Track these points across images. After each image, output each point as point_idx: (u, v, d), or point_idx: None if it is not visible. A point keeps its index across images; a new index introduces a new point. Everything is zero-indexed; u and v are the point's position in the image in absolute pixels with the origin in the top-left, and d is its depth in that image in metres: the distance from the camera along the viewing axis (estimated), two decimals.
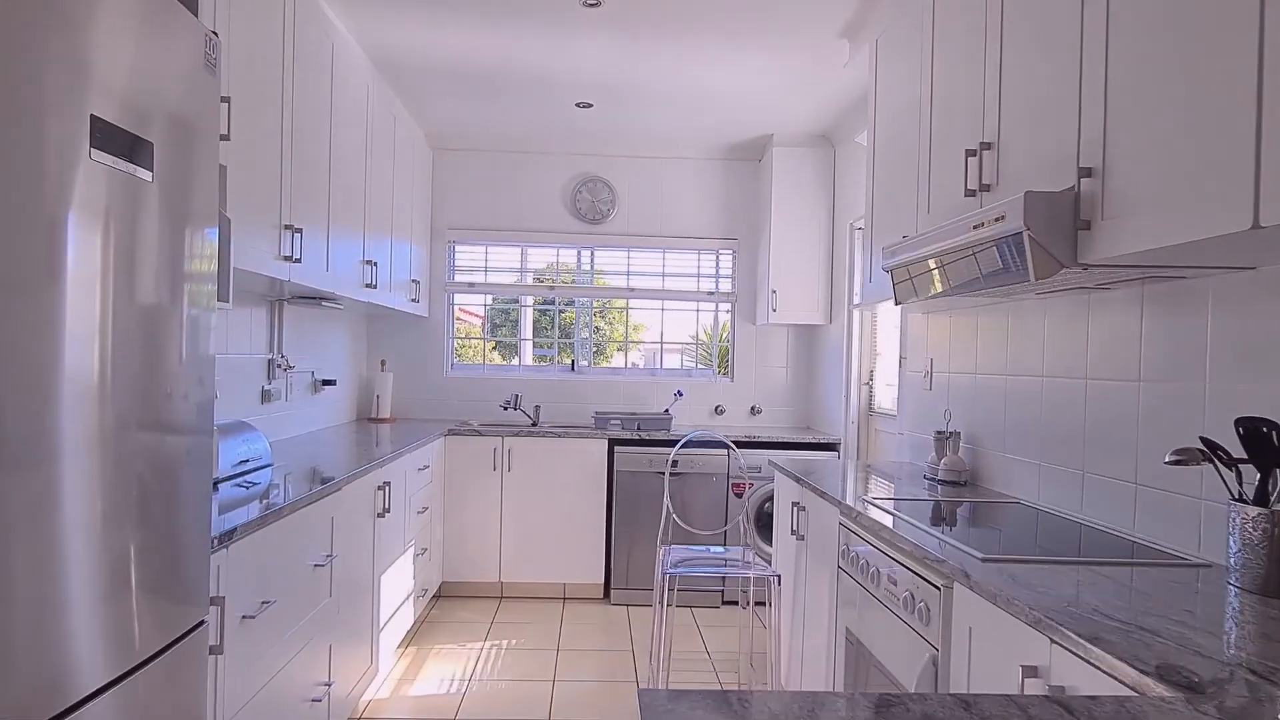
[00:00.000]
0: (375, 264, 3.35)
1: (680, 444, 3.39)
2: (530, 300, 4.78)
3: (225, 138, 1.87)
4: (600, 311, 4.87)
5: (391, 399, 4.39)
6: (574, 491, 4.02)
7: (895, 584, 1.75)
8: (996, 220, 1.59)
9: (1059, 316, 2.08)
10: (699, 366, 4.85)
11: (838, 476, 2.65)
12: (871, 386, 3.94)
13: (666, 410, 4.50)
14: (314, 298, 3.08)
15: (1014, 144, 1.79)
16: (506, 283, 4.67)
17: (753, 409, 4.63)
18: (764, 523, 3.96)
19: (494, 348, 4.87)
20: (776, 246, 4.26)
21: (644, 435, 4.03)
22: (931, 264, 1.98)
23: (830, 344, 4.29)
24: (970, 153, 1.94)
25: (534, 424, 4.40)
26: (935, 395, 2.82)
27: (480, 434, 3.99)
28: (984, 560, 1.49)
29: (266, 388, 3.07)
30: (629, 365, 4.78)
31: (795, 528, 2.66)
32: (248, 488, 2.20)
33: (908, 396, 3.09)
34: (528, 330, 4.80)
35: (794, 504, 2.68)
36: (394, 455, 2.93)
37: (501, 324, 4.84)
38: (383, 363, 4.42)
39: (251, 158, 2.14)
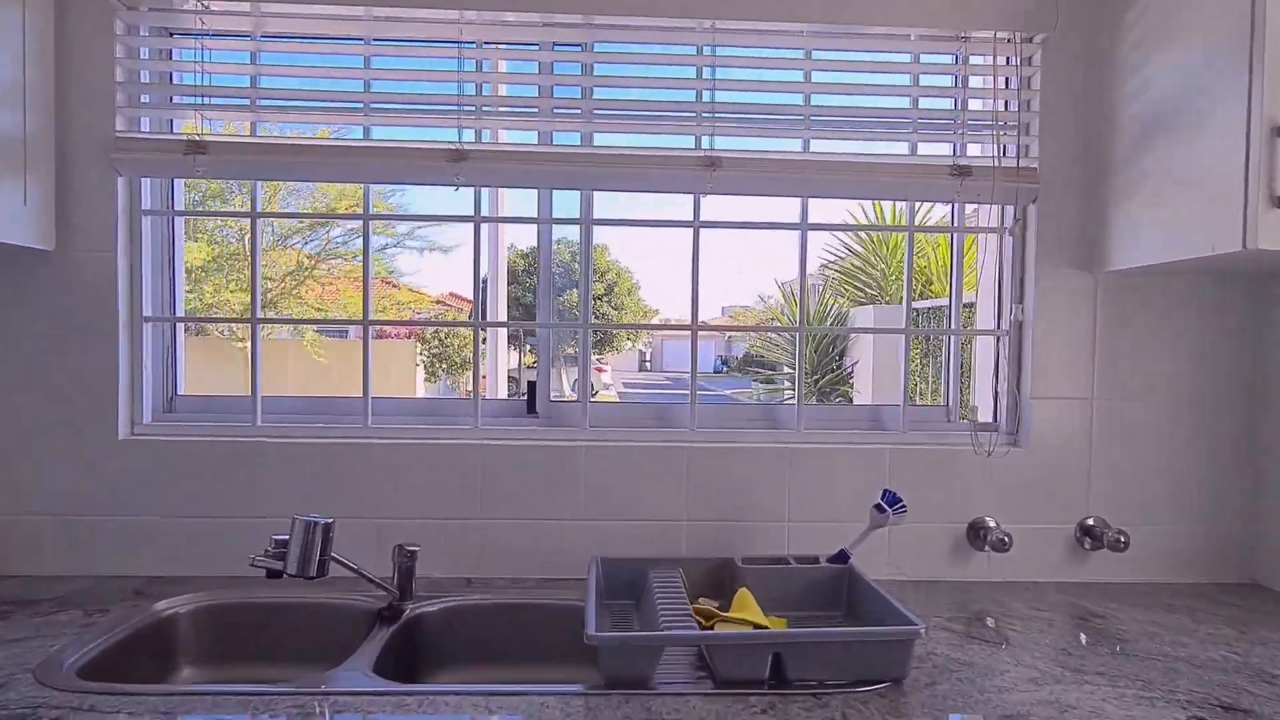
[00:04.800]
0: None
1: None
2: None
3: None
4: (604, 283, 1.87)
5: None
6: None
7: None
8: None
9: None
10: (921, 402, 1.72)
11: None
12: None
13: (842, 551, 1.37)
14: None
15: None
16: (317, 143, 1.50)
17: (1088, 532, 1.51)
18: None
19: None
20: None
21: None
22: None
23: None
24: None
25: (388, 609, 1.26)
26: None
27: None
28: None
29: None
30: (679, 384, 1.64)
31: None
32: None
33: None
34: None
35: None
36: None
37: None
38: None
39: None
